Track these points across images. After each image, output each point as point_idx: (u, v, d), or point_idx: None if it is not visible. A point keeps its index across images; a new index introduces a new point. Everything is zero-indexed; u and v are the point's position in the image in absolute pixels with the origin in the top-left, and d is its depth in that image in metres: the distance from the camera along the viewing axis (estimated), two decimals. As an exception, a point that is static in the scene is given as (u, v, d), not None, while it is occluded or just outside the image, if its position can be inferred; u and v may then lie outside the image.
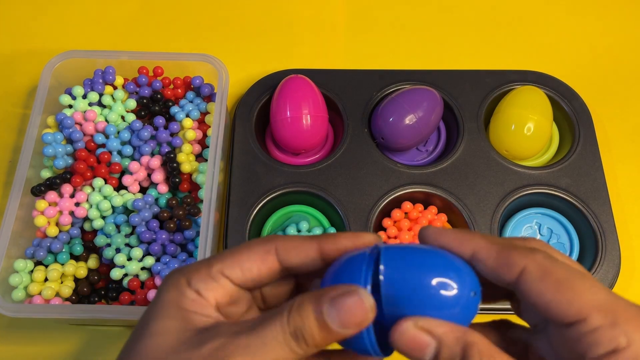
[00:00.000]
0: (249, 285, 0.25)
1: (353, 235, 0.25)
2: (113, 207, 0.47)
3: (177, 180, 0.47)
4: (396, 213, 0.49)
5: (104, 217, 0.47)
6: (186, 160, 0.48)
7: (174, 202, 0.46)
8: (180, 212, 0.45)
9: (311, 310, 0.22)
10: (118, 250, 0.45)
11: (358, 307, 0.22)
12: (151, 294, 0.43)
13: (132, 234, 0.46)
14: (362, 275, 0.22)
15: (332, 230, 0.49)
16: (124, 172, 0.49)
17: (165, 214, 0.45)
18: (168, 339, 0.23)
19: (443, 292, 0.22)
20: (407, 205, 0.49)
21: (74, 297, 0.45)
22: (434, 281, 0.22)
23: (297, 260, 0.25)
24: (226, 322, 0.24)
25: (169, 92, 0.52)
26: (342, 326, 0.22)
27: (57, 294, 0.44)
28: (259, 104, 0.54)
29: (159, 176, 0.48)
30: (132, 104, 0.51)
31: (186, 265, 0.26)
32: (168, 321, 0.23)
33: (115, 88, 0.52)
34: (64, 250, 0.46)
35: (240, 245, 0.25)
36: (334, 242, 0.25)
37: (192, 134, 0.49)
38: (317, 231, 0.49)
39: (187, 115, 0.50)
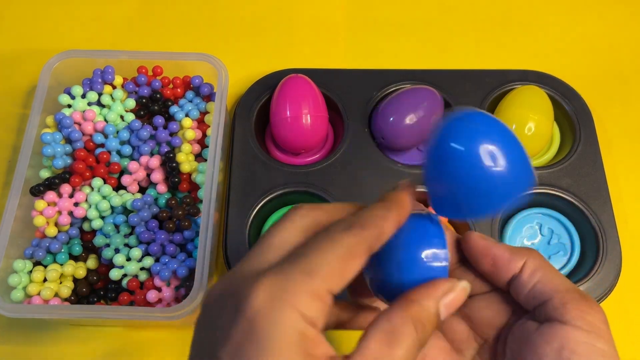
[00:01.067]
0: None
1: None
2: (112, 207, 0.47)
3: (176, 180, 0.47)
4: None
5: (103, 217, 0.46)
6: (185, 160, 0.48)
7: (173, 202, 0.46)
8: (180, 212, 0.45)
9: (433, 319, 0.23)
10: (117, 251, 0.45)
11: (462, 297, 0.25)
12: (150, 294, 0.43)
13: (131, 234, 0.46)
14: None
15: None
16: (123, 172, 0.48)
17: (164, 214, 0.45)
18: None
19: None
20: (407, 205, 0.49)
21: (73, 298, 0.44)
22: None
23: (381, 245, 0.24)
24: (346, 358, 0.22)
25: (168, 92, 0.52)
26: (448, 316, 0.24)
27: (56, 295, 0.44)
28: (259, 104, 0.53)
29: (158, 176, 0.48)
30: (131, 103, 0.50)
31: (276, 281, 0.21)
32: None
33: (114, 88, 0.51)
34: (63, 250, 0.45)
35: (335, 244, 0.22)
36: (404, 214, 0.25)
37: (191, 133, 0.49)
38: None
39: (187, 115, 0.50)
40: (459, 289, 0.24)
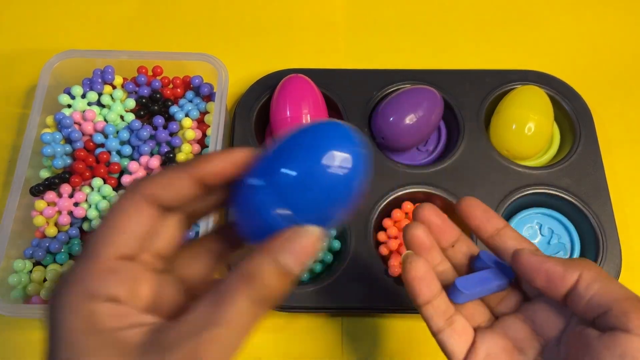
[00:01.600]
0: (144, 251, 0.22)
1: (226, 155, 0.23)
2: (112, 207, 0.47)
3: (176, 180, 0.47)
4: (397, 213, 0.49)
5: (103, 217, 0.46)
6: (185, 160, 0.48)
7: (173, 202, 0.46)
8: (180, 212, 0.45)
9: (271, 272, 0.21)
10: (117, 251, 0.45)
11: (312, 244, 0.21)
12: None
13: (131, 234, 0.46)
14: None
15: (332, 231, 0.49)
16: (123, 172, 0.48)
17: (164, 214, 0.45)
18: None
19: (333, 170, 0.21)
20: (407, 205, 0.49)
21: (72, 298, 0.44)
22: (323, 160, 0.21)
23: (177, 201, 0.22)
24: (168, 323, 0.20)
25: (168, 92, 0.52)
26: (301, 265, 0.21)
27: (56, 295, 0.44)
28: (259, 104, 0.53)
29: (158, 176, 0.48)
30: (131, 103, 0.50)
31: (63, 276, 0.20)
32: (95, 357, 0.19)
33: (114, 88, 0.51)
34: (63, 250, 0.45)
35: (108, 214, 0.21)
36: (210, 168, 0.22)
37: (191, 133, 0.49)
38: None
39: (187, 115, 0.50)
40: (307, 235, 0.21)
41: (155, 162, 0.48)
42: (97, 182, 0.47)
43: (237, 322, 0.20)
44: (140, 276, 0.21)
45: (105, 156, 0.47)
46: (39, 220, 0.45)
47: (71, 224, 0.46)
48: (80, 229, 0.47)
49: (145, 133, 0.48)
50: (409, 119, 0.49)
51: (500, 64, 0.59)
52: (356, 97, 0.54)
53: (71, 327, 0.19)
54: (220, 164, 0.22)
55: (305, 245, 0.21)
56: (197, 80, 0.52)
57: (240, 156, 0.23)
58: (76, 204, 0.46)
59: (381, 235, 0.49)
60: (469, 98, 0.54)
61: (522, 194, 0.50)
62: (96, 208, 0.46)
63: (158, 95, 0.51)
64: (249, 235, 0.23)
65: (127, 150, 0.48)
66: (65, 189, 0.46)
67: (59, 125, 0.48)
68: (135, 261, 0.21)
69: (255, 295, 0.20)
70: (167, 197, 0.22)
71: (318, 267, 0.47)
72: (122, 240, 0.21)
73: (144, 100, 0.51)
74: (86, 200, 0.46)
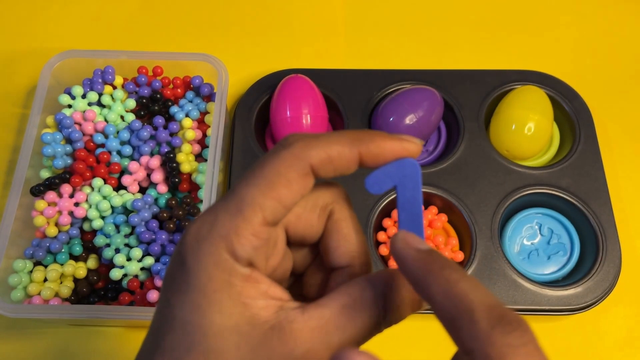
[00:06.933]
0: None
1: (398, 145, 0.21)
2: (112, 207, 0.47)
3: (176, 180, 0.47)
4: (397, 213, 0.49)
5: (103, 217, 0.46)
6: (186, 160, 0.48)
7: (173, 202, 0.46)
8: (180, 213, 0.45)
9: (409, 309, 0.21)
10: (117, 251, 0.45)
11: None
12: (151, 294, 0.43)
13: (131, 234, 0.46)
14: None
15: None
16: (123, 172, 0.48)
17: (164, 214, 0.45)
18: (231, 354, 0.18)
19: None
20: (407, 205, 0.49)
21: (73, 298, 0.44)
22: None
23: (334, 175, 0.21)
24: (295, 310, 0.19)
25: (168, 92, 0.52)
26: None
27: (57, 294, 0.44)
28: (259, 104, 0.53)
29: (158, 176, 0.48)
30: (132, 103, 0.50)
31: (206, 219, 0.19)
32: (222, 320, 0.18)
33: (114, 88, 0.51)
34: (63, 250, 0.45)
35: (264, 171, 0.19)
36: (377, 150, 0.21)
37: (191, 133, 0.49)
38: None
39: (187, 115, 0.50)
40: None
41: (155, 162, 0.48)
42: (98, 182, 0.47)
43: (364, 337, 0.20)
44: (275, 245, 0.20)
45: (105, 156, 0.47)
46: (39, 220, 0.45)
47: (71, 224, 0.47)
48: (81, 229, 0.47)
49: (145, 133, 0.48)
50: (409, 119, 0.49)
51: (500, 64, 0.59)
52: (356, 97, 0.54)
53: (208, 276, 0.18)
54: (389, 155, 0.21)
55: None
56: (197, 81, 0.52)
57: (413, 148, 0.21)
58: (77, 204, 0.46)
59: (381, 236, 0.49)
60: (469, 98, 0.54)
61: (522, 194, 0.50)
62: (96, 208, 0.46)
63: (158, 96, 0.51)
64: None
65: (128, 150, 0.48)
66: (66, 189, 0.46)
67: (60, 125, 0.48)
68: (277, 229, 0.20)
69: (388, 323, 0.20)
70: (327, 172, 0.20)
71: (318, 267, 0.47)
72: (275, 208, 0.19)
73: (144, 101, 0.51)
74: (87, 200, 0.46)
